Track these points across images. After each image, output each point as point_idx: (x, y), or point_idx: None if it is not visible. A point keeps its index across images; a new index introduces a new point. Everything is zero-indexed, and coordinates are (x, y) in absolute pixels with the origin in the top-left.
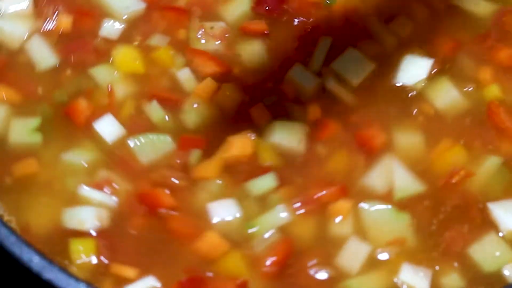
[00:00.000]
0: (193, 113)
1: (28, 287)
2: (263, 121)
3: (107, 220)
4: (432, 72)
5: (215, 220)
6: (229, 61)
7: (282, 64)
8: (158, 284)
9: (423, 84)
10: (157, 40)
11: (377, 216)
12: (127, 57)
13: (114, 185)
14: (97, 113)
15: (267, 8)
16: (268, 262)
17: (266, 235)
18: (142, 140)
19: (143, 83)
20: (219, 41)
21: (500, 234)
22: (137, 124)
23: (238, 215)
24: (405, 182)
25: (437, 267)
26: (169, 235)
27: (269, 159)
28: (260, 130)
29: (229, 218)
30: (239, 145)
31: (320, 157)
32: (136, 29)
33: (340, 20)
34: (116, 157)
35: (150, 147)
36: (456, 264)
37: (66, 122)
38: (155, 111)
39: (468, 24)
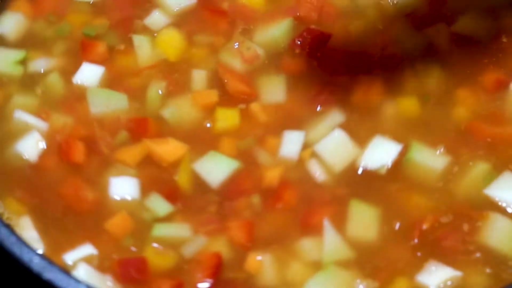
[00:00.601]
0: (175, 109)
1: (28, 287)
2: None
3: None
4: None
5: (115, 195)
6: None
7: (286, 118)
8: (95, 251)
9: (386, 169)
10: (201, 38)
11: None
12: (171, 40)
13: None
14: (103, 62)
15: (299, 42)
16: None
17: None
18: (99, 92)
19: (167, 68)
20: (245, 63)
21: (509, 210)
22: (122, 87)
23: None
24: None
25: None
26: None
27: (184, 184)
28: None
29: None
30: (170, 148)
31: (253, 208)
32: (185, 23)
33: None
34: (68, 100)
35: (103, 100)
36: (478, 255)
37: (70, 51)
38: (155, 90)
39: None
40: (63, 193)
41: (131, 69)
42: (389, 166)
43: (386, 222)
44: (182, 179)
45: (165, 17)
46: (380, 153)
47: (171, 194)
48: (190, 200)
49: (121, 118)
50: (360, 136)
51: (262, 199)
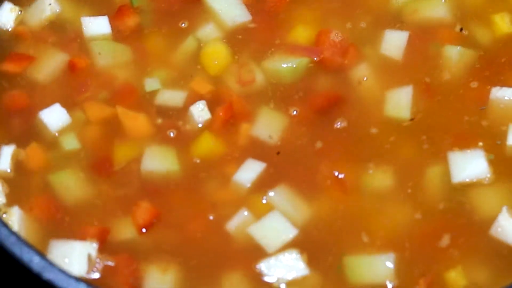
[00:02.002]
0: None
1: (28, 287)
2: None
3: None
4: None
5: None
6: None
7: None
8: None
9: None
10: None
11: None
12: (214, 54)
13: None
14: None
15: (294, 112)
16: None
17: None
18: (104, 46)
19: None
20: (239, 84)
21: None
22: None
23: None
24: None
25: None
26: None
27: (118, 157)
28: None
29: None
30: (136, 124)
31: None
32: (234, 40)
33: None
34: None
35: (110, 53)
36: None
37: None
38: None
39: None
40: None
41: (158, 55)
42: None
43: None
44: (119, 153)
45: (217, 30)
46: (283, 267)
47: (101, 161)
48: (112, 175)
49: (118, 77)
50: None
51: (178, 218)
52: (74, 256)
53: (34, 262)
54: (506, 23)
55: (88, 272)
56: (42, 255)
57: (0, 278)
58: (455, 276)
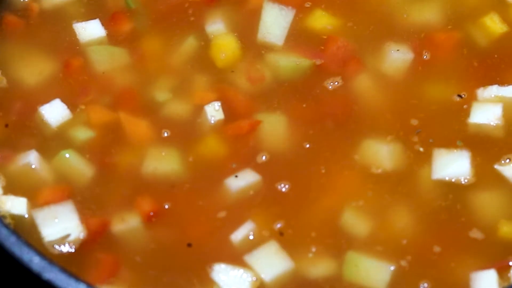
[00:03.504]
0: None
1: (28, 287)
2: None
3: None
4: None
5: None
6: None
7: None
8: None
9: None
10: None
11: None
12: (223, 46)
13: None
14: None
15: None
16: None
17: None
18: (101, 50)
19: (197, 71)
20: (249, 82)
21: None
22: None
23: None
24: None
25: None
26: None
27: (122, 161)
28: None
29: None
30: (137, 130)
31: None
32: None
33: None
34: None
35: (106, 57)
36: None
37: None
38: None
39: None
40: None
41: (157, 57)
42: None
43: None
44: (121, 154)
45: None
46: (233, 280)
47: (101, 159)
48: (112, 174)
49: (117, 81)
50: None
51: (179, 219)
52: (62, 224)
53: (34, 262)
54: (497, 23)
55: (51, 243)
56: (42, 255)
57: (0, 278)
58: (508, 228)
